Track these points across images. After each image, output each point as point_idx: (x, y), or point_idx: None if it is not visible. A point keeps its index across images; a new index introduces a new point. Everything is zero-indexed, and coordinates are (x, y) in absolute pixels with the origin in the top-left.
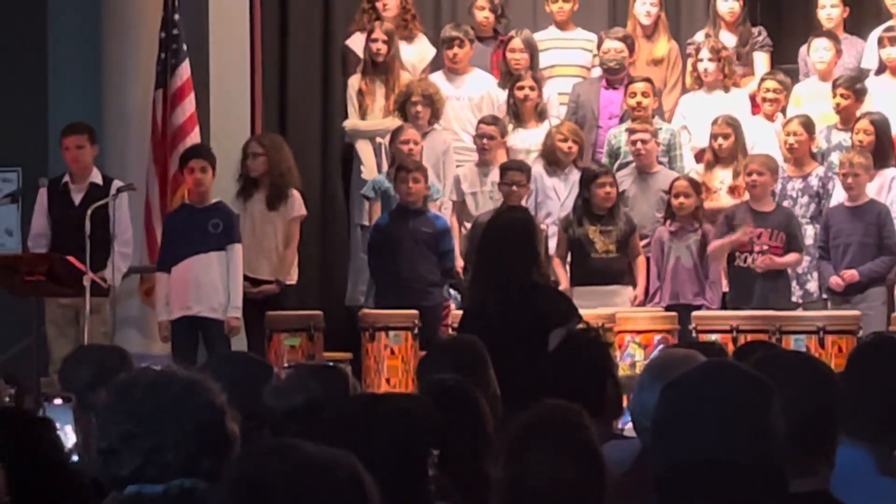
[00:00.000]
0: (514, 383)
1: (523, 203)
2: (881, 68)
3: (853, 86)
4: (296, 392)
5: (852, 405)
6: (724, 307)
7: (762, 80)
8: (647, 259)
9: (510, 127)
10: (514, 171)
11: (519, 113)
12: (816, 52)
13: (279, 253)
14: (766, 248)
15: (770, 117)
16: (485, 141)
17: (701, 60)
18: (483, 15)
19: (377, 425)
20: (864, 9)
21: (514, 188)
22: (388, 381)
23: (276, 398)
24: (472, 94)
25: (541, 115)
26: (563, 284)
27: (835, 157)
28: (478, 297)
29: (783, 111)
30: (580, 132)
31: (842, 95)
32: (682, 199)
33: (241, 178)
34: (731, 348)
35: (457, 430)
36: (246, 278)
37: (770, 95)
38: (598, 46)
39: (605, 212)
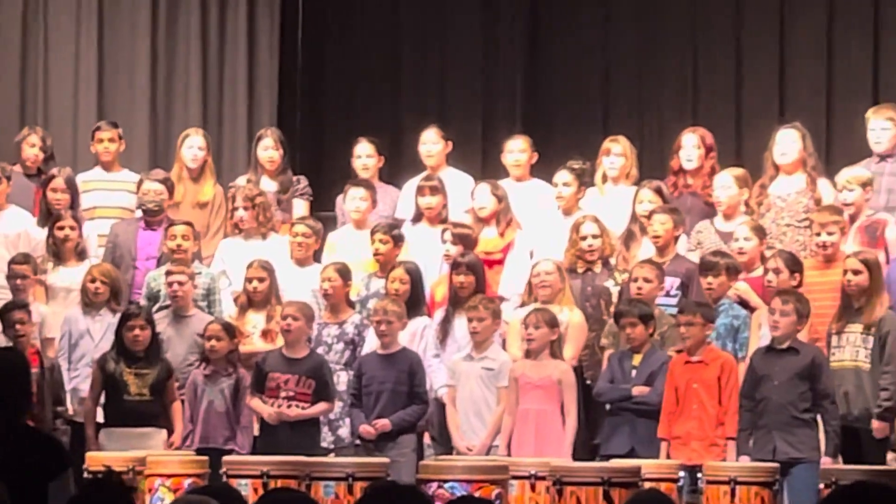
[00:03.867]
0: None
1: (56, 343)
2: (418, 216)
3: (391, 232)
4: None
5: None
6: (255, 452)
7: (292, 224)
8: (183, 402)
9: (50, 265)
10: (16, 311)
11: (59, 252)
12: (352, 201)
13: None
14: (292, 394)
15: (302, 262)
16: (18, 281)
17: (237, 208)
18: (33, 152)
19: None
20: (402, 159)
21: (19, 327)
22: None
23: None
24: (7, 232)
25: (80, 254)
26: (89, 426)
27: (372, 304)
28: None
29: (316, 256)
30: (112, 273)
31: (381, 241)
32: (213, 343)
33: None
34: (260, 493)
35: None
36: None
37: (299, 240)
38: (138, 188)
39: (142, 354)
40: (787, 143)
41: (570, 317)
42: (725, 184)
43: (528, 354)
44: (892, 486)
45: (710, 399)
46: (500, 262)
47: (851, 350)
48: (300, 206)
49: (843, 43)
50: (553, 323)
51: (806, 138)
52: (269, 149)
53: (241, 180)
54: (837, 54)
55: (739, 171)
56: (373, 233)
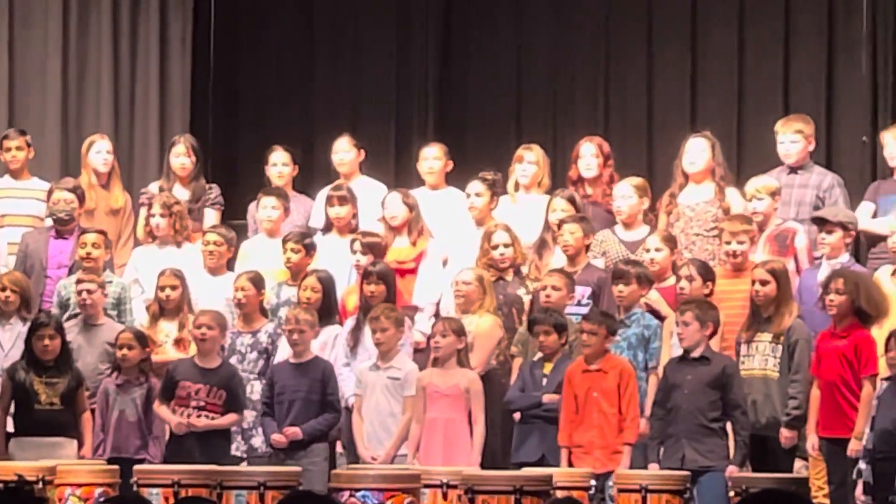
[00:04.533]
0: None
1: None
2: (328, 226)
3: (303, 241)
4: None
5: None
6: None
7: (204, 233)
8: (94, 412)
9: None
10: None
11: None
12: (264, 209)
13: None
14: (203, 404)
15: (214, 271)
16: None
17: (153, 216)
18: None
19: None
20: (315, 168)
21: None
22: None
23: None
24: None
25: None
26: None
27: (283, 313)
28: None
29: (229, 265)
30: (22, 282)
31: (292, 250)
32: (125, 352)
33: None
34: (172, 503)
35: None
36: None
37: (211, 248)
38: (49, 197)
39: (52, 363)
40: (697, 151)
41: (478, 324)
42: (625, 193)
43: (436, 363)
44: (800, 494)
45: (610, 407)
46: (413, 271)
47: (760, 359)
48: (210, 216)
49: (754, 53)
50: (460, 332)
51: (715, 147)
52: (181, 156)
53: (154, 187)
54: (748, 64)
55: (639, 180)
56: (284, 242)
